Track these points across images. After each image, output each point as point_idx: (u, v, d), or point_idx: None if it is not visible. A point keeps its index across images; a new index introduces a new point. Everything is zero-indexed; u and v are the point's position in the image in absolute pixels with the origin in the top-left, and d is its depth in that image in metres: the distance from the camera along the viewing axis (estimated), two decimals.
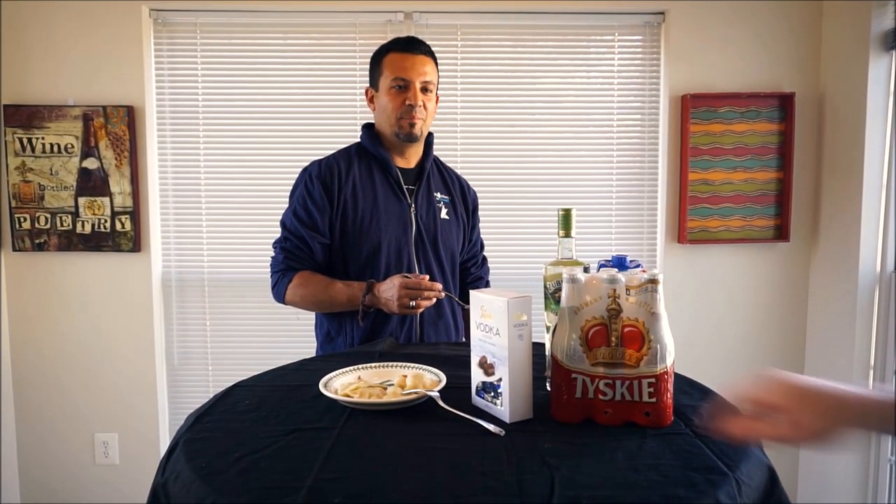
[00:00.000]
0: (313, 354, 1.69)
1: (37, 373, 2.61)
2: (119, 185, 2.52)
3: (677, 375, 1.15)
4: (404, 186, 1.69)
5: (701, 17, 2.57)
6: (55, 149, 2.50)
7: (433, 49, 1.69)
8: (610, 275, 0.97)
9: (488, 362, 1.03)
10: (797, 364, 2.70)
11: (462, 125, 2.63)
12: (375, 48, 1.70)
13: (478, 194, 1.89)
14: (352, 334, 1.64)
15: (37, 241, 2.53)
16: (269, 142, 2.62)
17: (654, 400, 0.96)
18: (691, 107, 2.55)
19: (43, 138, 2.49)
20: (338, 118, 2.61)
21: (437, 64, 1.70)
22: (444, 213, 1.74)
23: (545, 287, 1.10)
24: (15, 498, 2.62)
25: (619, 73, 2.65)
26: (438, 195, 1.75)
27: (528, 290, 1.03)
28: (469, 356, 1.08)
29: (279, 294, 1.67)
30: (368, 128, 1.74)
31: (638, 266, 1.08)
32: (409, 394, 1.08)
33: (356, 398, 1.07)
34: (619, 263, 1.08)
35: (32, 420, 2.63)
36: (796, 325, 2.69)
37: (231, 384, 1.21)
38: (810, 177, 2.63)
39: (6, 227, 2.54)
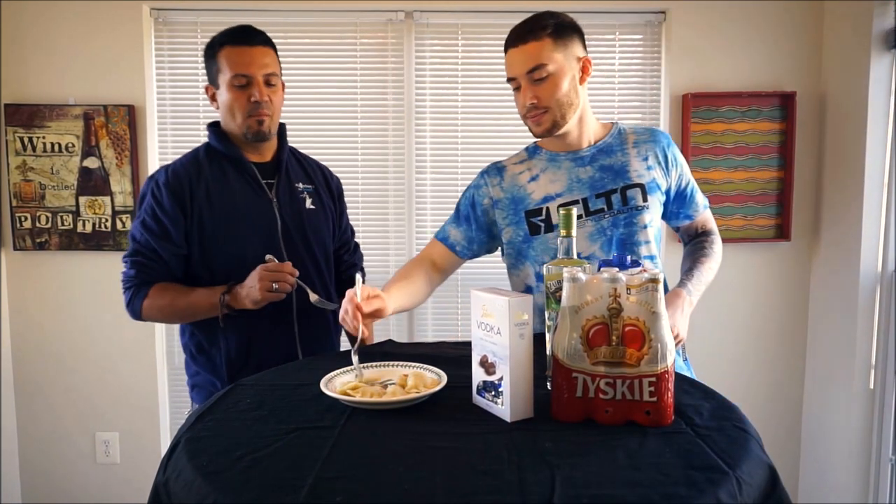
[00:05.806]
0: (313, 354, 1.67)
1: (38, 372, 2.61)
2: (120, 184, 2.52)
3: (678, 374, 1.15)
4: (262, 181, 1.61)
5: (702, 16, 2.57)
6: (56, 148, 2.50)
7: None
8: (611, 274, 0.98)
9: (489, 361, 1.03)
10: (798, 363, 2.70)
11: (463, 124, 2.63)
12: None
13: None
14: (227, 346, 1.56)
15: (38, 241, 2.53)
16: None
17: (654, 399, 0.96)
18: (692, 106, 2.55)
19: (44, 137, 2.49)
20: (338, 117, 2.60)
21: (276, 51, 1.61)
22: (308, 203, 1.66)
23: (546, 286, 1.11)
24: (16, 497, 2.63)
25: (620, 72, 2.65)
26: (300, 185, 1.67)
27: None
28: (470, 355, 1.09)
29: (135, 310, 1.55)
30: (215, 126, 1.64)
31: (639, 265, 1.08)
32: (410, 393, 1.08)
33: (357, 397, 1.07)
34: (620, 263, 1.08)
35: (33, 419, 2.63)
36: (797, 325, 2.69)
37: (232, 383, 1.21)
38: (811, 176, 2.63)
39: (7, 227, 2.54)
